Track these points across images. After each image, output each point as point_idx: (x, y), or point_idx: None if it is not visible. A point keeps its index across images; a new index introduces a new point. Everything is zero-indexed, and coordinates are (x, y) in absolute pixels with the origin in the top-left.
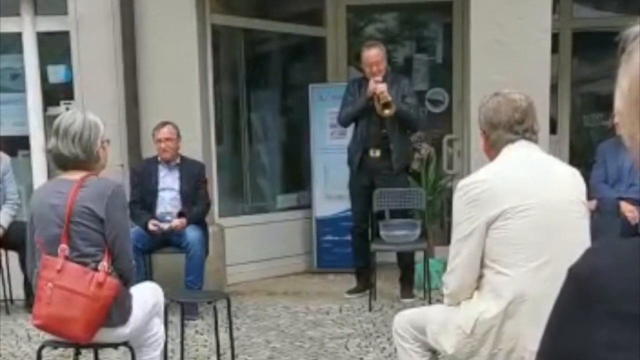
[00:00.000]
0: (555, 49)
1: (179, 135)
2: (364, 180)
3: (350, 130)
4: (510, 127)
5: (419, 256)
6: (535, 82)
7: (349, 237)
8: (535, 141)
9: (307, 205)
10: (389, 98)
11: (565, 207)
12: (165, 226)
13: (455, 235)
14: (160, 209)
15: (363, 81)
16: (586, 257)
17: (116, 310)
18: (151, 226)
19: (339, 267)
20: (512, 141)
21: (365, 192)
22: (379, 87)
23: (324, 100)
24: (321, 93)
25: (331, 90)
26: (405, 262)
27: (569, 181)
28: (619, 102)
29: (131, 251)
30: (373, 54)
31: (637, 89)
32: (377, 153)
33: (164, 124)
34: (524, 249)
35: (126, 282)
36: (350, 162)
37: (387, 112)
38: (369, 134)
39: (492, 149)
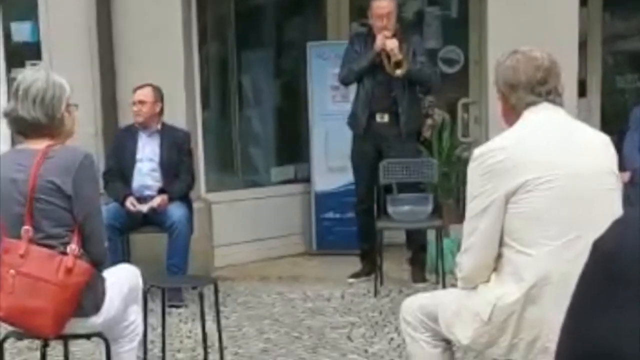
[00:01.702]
0: (583, 1)
1: (160, 100)
2: (369, 148)
3: (353, 92)
4: (532, 88)
5: (431, 235)
6: (561, 39)
7: (352, 214)
8: (560, 104)
9: (306, 179)
10: (400, 56)
11: (594, 178)
12: (144, 208)
13: (470, 210)
14: (137, 182)
15: (369, 36)
16: (613, 230)
17: (88, 297)
18: (129, 205)
19: (341, 248)
20: (533, 104)
21: (371, 163)
22: (388, 43)
23: (324, 60)
24: (320, 52)
25: (332, 49)
26: (416, 242)
27: (598, 149)
28: None
29: (104, 231)
30: (384, 4)
31: None
32: (385, 118)
33: (143, 85)
34: (547, 225)
35: (98, 265)
36: (353, 127)
37: (398, 71)
38: (375, 96)
39: (511, 113)
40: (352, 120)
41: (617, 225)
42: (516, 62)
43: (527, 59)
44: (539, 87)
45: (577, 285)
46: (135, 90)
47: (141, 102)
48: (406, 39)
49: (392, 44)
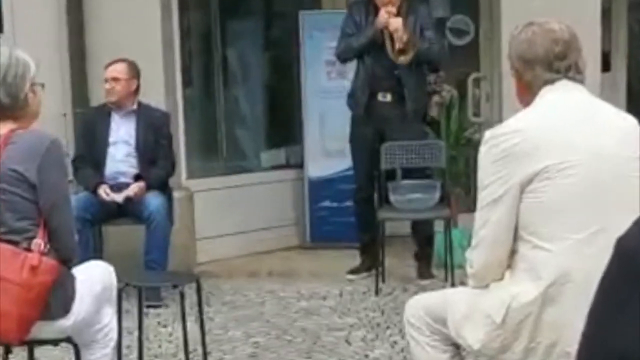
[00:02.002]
0: None
1: (135, 76)
2: (369, 130)
3: (352, 67)
4: (549, 63)
5: (438, 226)
6: (582, 6)
7: (350, 203)
8: (581, 81)
9: (299, 164)
10: (405, 38)
11: (619, 164)
12: (119, 197)
13: (482, 200)
14: (110, 168)
15: (370, 6)
16: (637, 227)
17: (55, 298)
18: (102, 194)
19: (338, 240)
20: (551, 81)
21: (372, 146)
22: (392, 22)
23: (319, 32)
24: (315, 22)
25: (327, 19)
26: (422, 234)
27: (624, 132)
28: None
29: (72, 224)
30: None
31: None
32: (388, 97)
33: (116, 60)
34: (568, 217)
35: (67, 262)
36: (352, 107)
37: (402, 58)
38: (376, 75)
39: (527, 92)
40: (351, 100)
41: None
42: (532, 34)
43: (544, 32)
44: (558, 62)
45: (599, 285)
46: (107, 66)
47: (114, 79)
48: (412, 10)
49: (396, 24)
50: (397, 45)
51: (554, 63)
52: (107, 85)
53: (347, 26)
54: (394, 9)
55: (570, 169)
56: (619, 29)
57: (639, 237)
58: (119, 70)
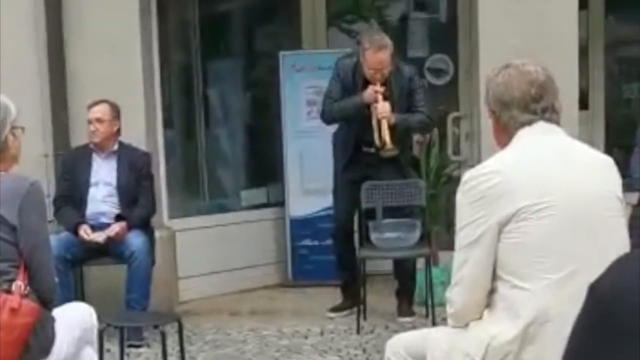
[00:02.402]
0: (583, 4)
1: (117, 117)
2: (353, 175)
3: None
4: (526, 105)
5: (420, 264)
6: (560, 46)
7: (331, 241)
8: (558, 122)
9: (280, 203)
10: (387, 135)
11: (596, 204)
12: (100, 237)
13: (460, 240)
14: (91, 209)
15: (357, 67)
16: (610, 273)
17: (36, 340)
18: (83, 234)
19: (319, 278)
20: (528, 123)
21: (353, 186)
22: (380, 108)
23: (299, 72)
24: (295, 62)
25: (307, 59)
26: (404, 272)
27: (600, 172)
28: None
29: (53, 265)
30: (381, 57)
31: None
32: (372, 149)
33: (98, 101)
34: (546, 257)
35: (47, 303)
36: (336, 158)
37: (387, 152)
38: (363, 132)
39: (504, 133)
40: (334, 152)
41: (615, 268)
42: (508, 77)
43: (520, 74)
44: (534, 104)
45: (572, 329)
46: (90, 107)
47: (98, 121)
48: (401, 75)
49: (384, 111)
50: (383, 136)
51: (531, 105)
52: (91, 127)
53: (333, 89)
54: (382, 90)
55: (546, 210)
56: (596, 67)
57: (612, 284)
58: (102, 111)
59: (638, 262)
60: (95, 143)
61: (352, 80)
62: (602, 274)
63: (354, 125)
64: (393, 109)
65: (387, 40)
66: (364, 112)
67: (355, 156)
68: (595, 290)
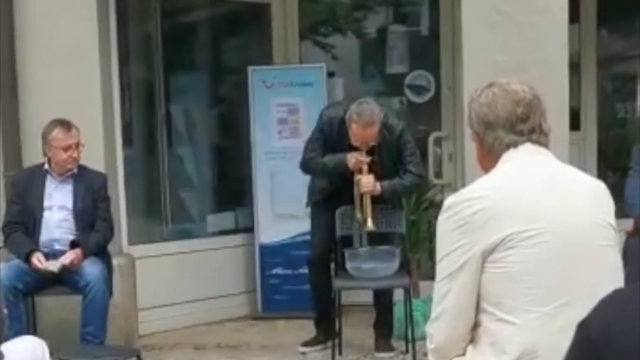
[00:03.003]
0: (574, 17)
1: None
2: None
3: (306, 128)
4: (512, 125)
5: (399, 295)
6: (549, 63)
7: (304, 270)
8: (546, 145)
9: (249, 228)
10: (369, 212)
11: (588, 232)
12: (54, 267)
13: (441, 270)
14: (45, 235)
15: (343, 125)
16: (599, 312)
17: None
18: (36, 262)
19: (291, 310)
20: (514, 144)
21: (333, 211)
22: (363, 181)
23: (269, 88)
24: (265, 78)
25: (278, 74)
26: (384, 303)
27: (592, 198)
28: None
29: (1, 296)
30: (367, 135)
31: None
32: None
33: (63, 123)
34: (534, 289)
35: None
36: (310, 194)
37: (368, 227)
38: (343, 187)
39: (489, 156)
40: (309, 189)
41: (605, 306)
42: (492, 96)
43: (506, 93)
44: (521, 124)
45: None
46: (56, 131)
47: (77, 146)
48: (390, 133)
49: (367, 185)
50: (365, 213)
51: (517, 125)
52: (74, 154)
53: (316, 142)
54: (367, 160)
55: (534, 238)
56: (588, 85)
57: (602, 324)
58: (76, 134)
59: (629, 300)
60: (70, 169)
61: (337, 135)
62: (592, 311)
63: (336, 179)
64: (382, 170)
65: (376, 115)
66: (347, 174)
67: (333, 194)
68: (584, 329)
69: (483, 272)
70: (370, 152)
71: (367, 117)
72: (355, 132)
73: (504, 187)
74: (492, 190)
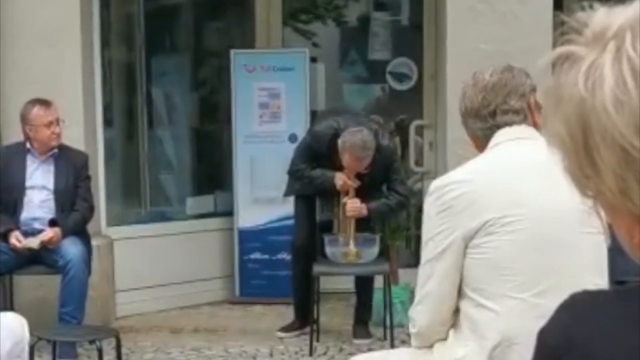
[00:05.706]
0: (559, 3)
1: None
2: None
3: (285, 114)
4: (476, 113)
5: (378, 282)
6: (533, 51)
7: (282, 256)
8: (517, 122)
9: (228, 212)
10: (352, 237)
11: (570, 218)
12: (34, 244)
13: (426, 254)
14: (26, 214)
15: (333, 141)
16: (559, 319)
17: None
18: (14, 241)
19: (269, 295)
20: (489, 129)
21: (314, 201)
22: (349, 205)
23: (251, 72)
24: (247, 62)
25: (260, 58)
26: (365, 289)
27: None
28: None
29: None
30: (358, 165)
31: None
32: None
33: (41, 101)
34: (514, 275)
35: None
36: (289, 189)
37: (349, 249)
38: (327, 202)
39: (479, 145)
40: (288, 183)
41: (564, 313)
42: (464, 88)
43: (475, 82)
44: (483, 110)
45: None
46: (36, 110)
47: (58, 121)
48: (381, 155)
49: (353, 209)
50: (348, 236)
51: (481, 111)
52: (56, 129)
53: (305, 154)
54: (355, 185)
55: (515, 224)
56: None
57: (563, 333)
58: (55, 110)
59: (593, 306)
60: (53, 147)
61: (326, 149)
62: (554, 316)
63: (319, 191)
64: (370, 188)
65: (369, 148)
66: (333, 190)
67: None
68: (545, 336)
69: (465, 257)
70: (359, 175)
71: (359, 151)
72: (348, 162)
73: (487, 173)
74: (475, 174)
